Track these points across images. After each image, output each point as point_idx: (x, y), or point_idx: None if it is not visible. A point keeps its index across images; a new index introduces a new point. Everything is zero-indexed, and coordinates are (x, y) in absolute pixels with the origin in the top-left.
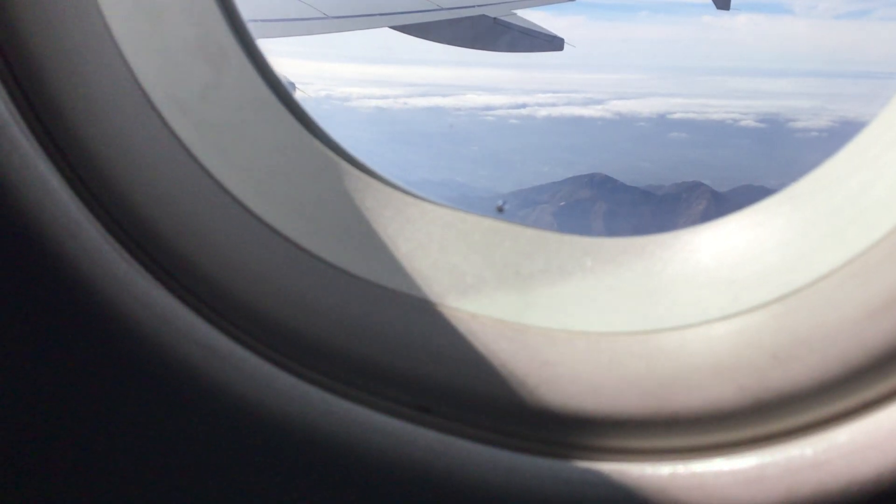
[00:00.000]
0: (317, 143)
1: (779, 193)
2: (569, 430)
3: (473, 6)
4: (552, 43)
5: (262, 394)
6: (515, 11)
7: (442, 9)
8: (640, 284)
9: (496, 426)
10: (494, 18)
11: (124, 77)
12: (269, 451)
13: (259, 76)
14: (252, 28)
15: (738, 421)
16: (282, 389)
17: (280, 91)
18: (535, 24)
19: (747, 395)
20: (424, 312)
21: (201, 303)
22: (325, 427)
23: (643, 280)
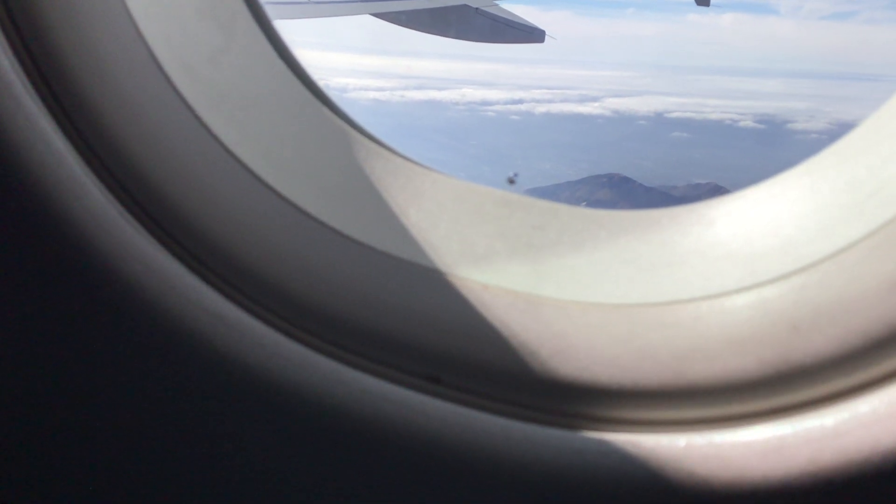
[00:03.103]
0: (325, 111)
1: (796, 167)
2: (582, 402)
3: None
4: (533, 34)
5: (271, 363)
6: (497, 2)
7: None
8: (656, 257)
9: (508, 397)
10: (476, 8)
11: (133, 40)
12: (278, 420)
13: (268, 42)
14: None
15: (757, 392)
16: (291, 358)
17: (288, 57)
18: (516, 16)
19: (766, 366)
20: (435, 282)
21: (208, 270)
22: (335, 396)
23: (658, 252)
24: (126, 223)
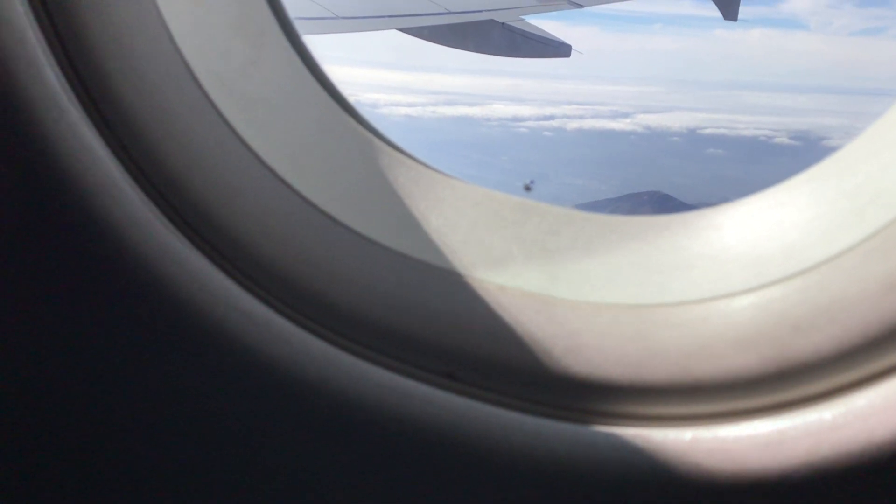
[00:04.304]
0: (351, 121)
1: (800, 175)
2: (593, 397)
3: (482, 10)
4: (560, 49)
5: (295, 358)
6: (523, 17)
7: (450, 12)
8: (665, 260)
9: (521, 392)
10: (502, 23)
11: (170, 53)
12: (301, 413)
13: (296, 54)
14: None
15: (759, 388)
16: (314, 354)
17: (315, 69)
18: (543, 31)
19: (768, 363)
20: (453, 284)
21: (237, 269)
22: (356, 391)
23: (667, 256)
24: (159, 223)
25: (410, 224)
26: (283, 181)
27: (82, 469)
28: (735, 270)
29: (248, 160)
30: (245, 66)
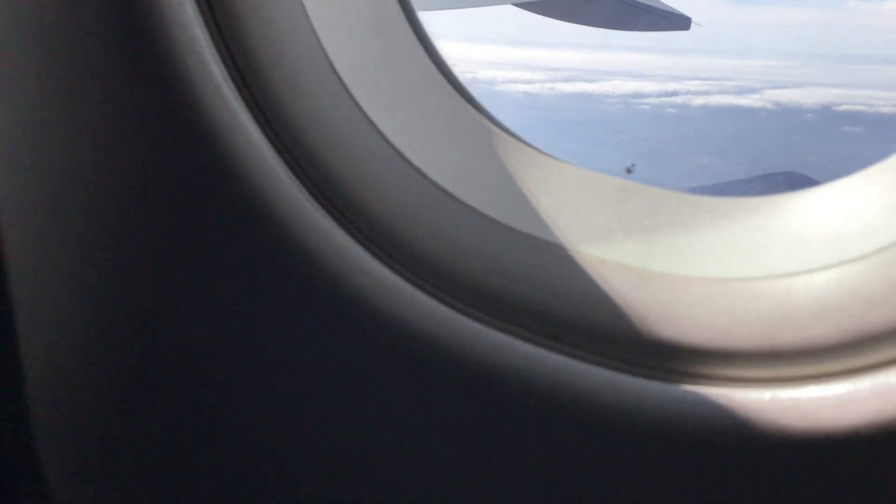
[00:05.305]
0: (470, 109)
1: (879, 163)
2: (682, 360)
3: None
4: (679, 22)
5: (420, 321)
6: None
7: None
8: (752, 238)
9: (617, 354)
10: None
11: (314, 48)
12: (424, 371)
13: (422, 49)
14: None
15: (834, 355)
16: (436, 317)
17: (436, 58)
18: (660, 2)
19: (843, 333)
20: (559, 256)
21: (370, 241)
22: (473, 351)
23: (755, 235)
24: (305, 200)
25: (522, 202)
26: (410, 163)
27: (251, 444)
28: (817, 249)
29: (380, 144)
30: (379, 61)
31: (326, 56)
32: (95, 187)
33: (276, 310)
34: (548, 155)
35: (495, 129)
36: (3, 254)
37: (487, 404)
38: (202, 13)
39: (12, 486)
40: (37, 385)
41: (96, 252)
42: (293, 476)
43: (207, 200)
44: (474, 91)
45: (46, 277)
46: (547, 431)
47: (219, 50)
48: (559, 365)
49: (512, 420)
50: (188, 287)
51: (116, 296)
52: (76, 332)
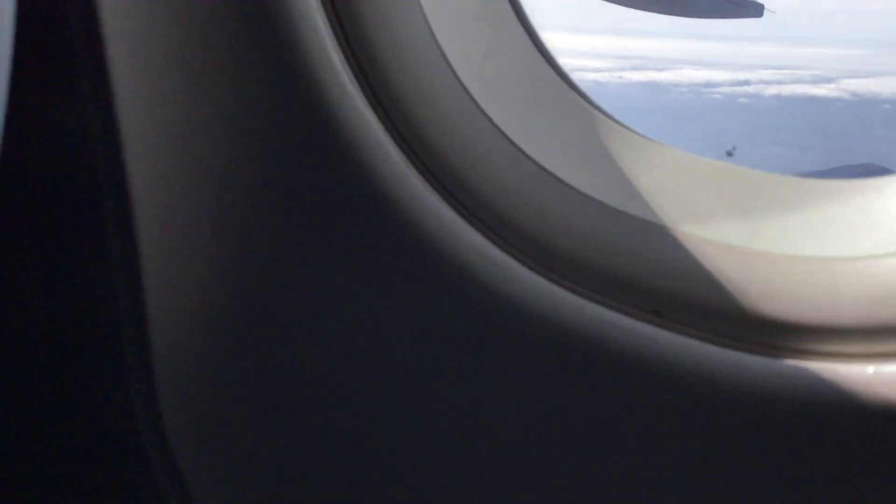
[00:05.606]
0: (572, 93)
1: None
2: (786, 336)
3: None
4: (751, 9)
5: (524, 295)
6: None
7: None
8: (855, 219)
9: (720, 329)
10: None
11: (426, 37)
12: (528, 343)
13: (526, 35)
14: None
15: None
16: (541, 292)
17: (539, 44)
18: None
19: None
20: (661, 235)
21: (473, 216)
22: (577, 325)
23: (857, 216)
24: (414, 177)
25: (623, 183)
26: (515, 145)
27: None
28: None
29: (487, 128)
30: (487, 48)
31: (437, 44)
32: (229, 181)
33: (398, 300)
34: (647, 138)
35: (597, 114)
36: (138, 245)
37: (595, 379)
38: (323, 4)
39: (141, 454)
40: (163, 360)
41: (228, 243)
42: (424, 466)
43: (327, 184)
44: None
45: (180, 265)
46: (648, 405)
47: (338, 39)
48: (660, 338)
49: (613, 393)
50: (314, 279)
51: (246, 286)
52: (204, 318)
